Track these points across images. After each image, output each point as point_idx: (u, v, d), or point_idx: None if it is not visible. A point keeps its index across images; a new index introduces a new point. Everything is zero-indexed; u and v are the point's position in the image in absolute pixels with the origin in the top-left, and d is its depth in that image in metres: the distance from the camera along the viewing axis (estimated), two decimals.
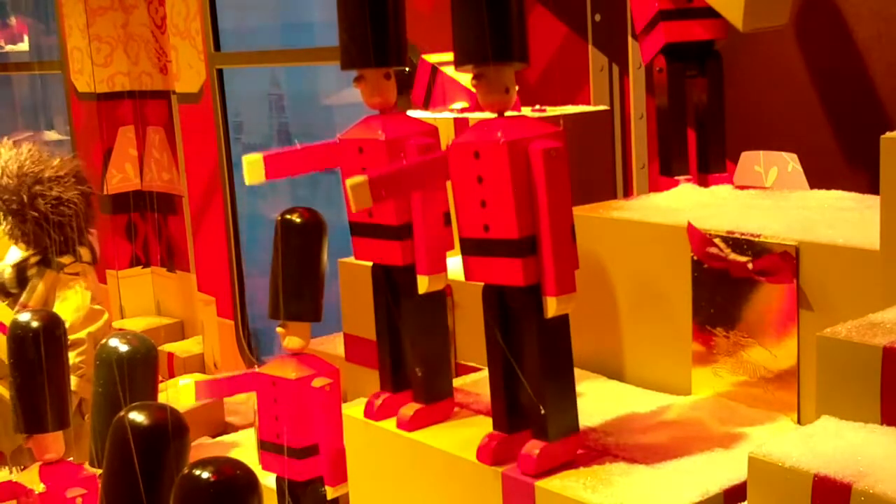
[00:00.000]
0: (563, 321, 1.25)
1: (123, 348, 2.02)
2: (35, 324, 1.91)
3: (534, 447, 1.25)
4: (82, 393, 3.14)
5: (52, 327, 1.93)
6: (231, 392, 1.90)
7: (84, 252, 3.37)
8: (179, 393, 1.81)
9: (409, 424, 1.43)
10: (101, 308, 3.38)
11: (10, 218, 3.27)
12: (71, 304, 3.26)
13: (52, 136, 6.19)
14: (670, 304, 1.51)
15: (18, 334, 1.90)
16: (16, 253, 3.36)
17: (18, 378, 1.92)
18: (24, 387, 1.91)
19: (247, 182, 1.43)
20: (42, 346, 1.88)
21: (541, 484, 1.23)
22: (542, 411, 1.25)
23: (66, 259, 3.32)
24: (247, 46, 4.89)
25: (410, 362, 1.46)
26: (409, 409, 1.44)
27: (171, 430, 1.39)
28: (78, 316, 3.24)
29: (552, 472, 1.25)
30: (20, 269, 3.29)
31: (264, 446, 1.84)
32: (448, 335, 1.49)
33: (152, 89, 4.92)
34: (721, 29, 1.77)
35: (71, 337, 3.09)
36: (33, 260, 3.30)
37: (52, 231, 3.24)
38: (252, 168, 1.42)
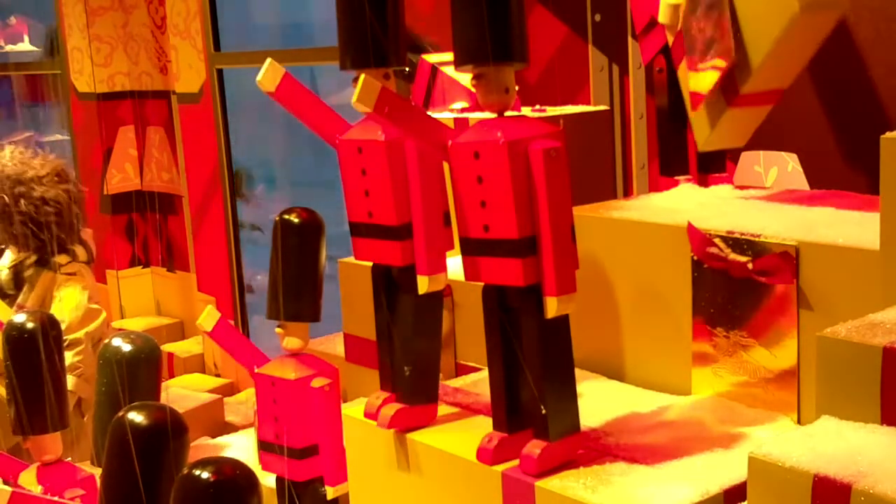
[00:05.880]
0: (563, 321, 1.25)
1: (126, 348, 2.01)
2: (30, 325, 1.91)
3: (535, 447, 1.25)
4: (80, 392, 3.14)
5: (48, 328, 1.92)
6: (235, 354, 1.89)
7: (80, 251, 3.37)
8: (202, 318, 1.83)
9: (389, 424, 1.42)
10: (99, 307, 3.38)
11: None
12: (68, 303, 3.25)
13: (52, 136, 6.19)
14: (670, 305, 1.51)
15: (14, 335, 1.90)
16: (11, 254, 3.36)
17: (15, 379, 1.91)
18: (21, 388, 1.91)
19: (258, 79, 1.44)
20: (38, 348, 1.88)
21: (541, 484, 1.23)
22: (543, 411, 1.25)
23: (62, 259, 3.31)
24: (246, 46, 4.89)
25: (399, 362, 1.44)
26: (391, 409, 1.43)
27: (170, 430, 1.39)
28: (76, 316, 3.24)
29: (552, 471, 1.25)
30: (16, 270, 3.29)
31: (264, 446, 1.84)
32: (440, 339, 1.47)
33: (152, 89, 4.92)
34: None
35: (69, 337, 3.09)
36: (29, 261, 3.30)
37: (38, 232, 3.24)
38: (272, 72, 1.43)
